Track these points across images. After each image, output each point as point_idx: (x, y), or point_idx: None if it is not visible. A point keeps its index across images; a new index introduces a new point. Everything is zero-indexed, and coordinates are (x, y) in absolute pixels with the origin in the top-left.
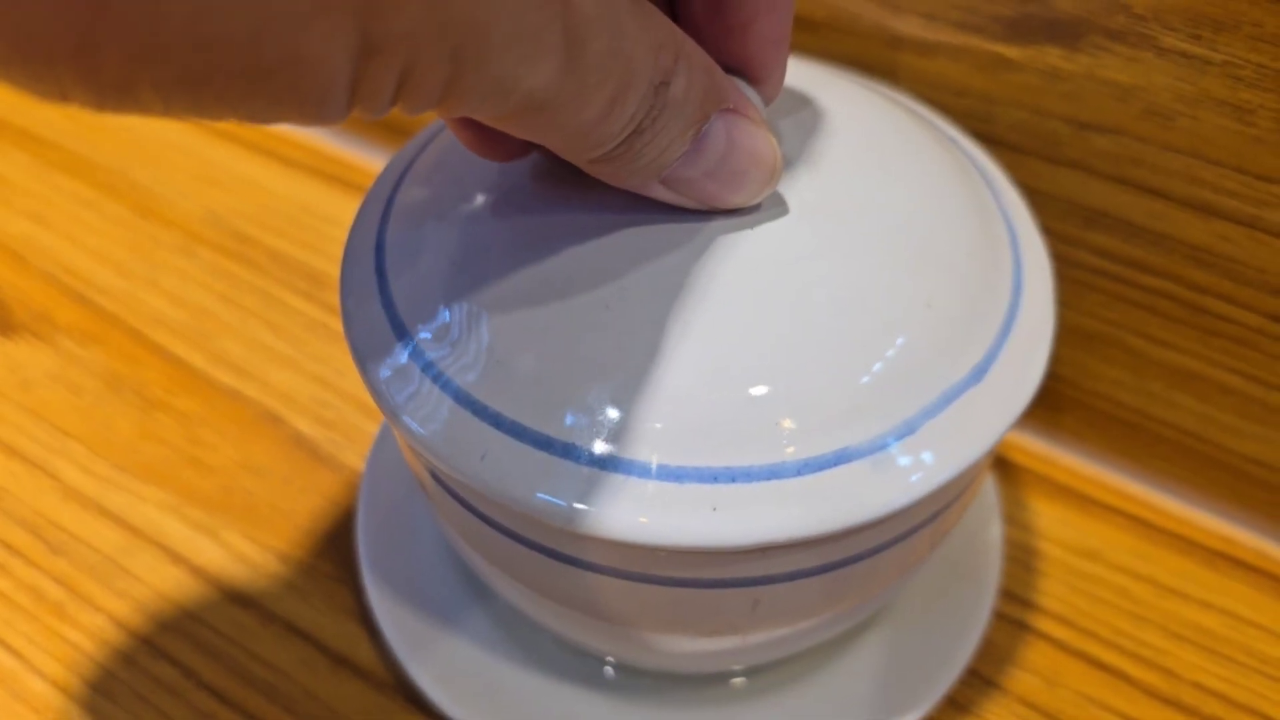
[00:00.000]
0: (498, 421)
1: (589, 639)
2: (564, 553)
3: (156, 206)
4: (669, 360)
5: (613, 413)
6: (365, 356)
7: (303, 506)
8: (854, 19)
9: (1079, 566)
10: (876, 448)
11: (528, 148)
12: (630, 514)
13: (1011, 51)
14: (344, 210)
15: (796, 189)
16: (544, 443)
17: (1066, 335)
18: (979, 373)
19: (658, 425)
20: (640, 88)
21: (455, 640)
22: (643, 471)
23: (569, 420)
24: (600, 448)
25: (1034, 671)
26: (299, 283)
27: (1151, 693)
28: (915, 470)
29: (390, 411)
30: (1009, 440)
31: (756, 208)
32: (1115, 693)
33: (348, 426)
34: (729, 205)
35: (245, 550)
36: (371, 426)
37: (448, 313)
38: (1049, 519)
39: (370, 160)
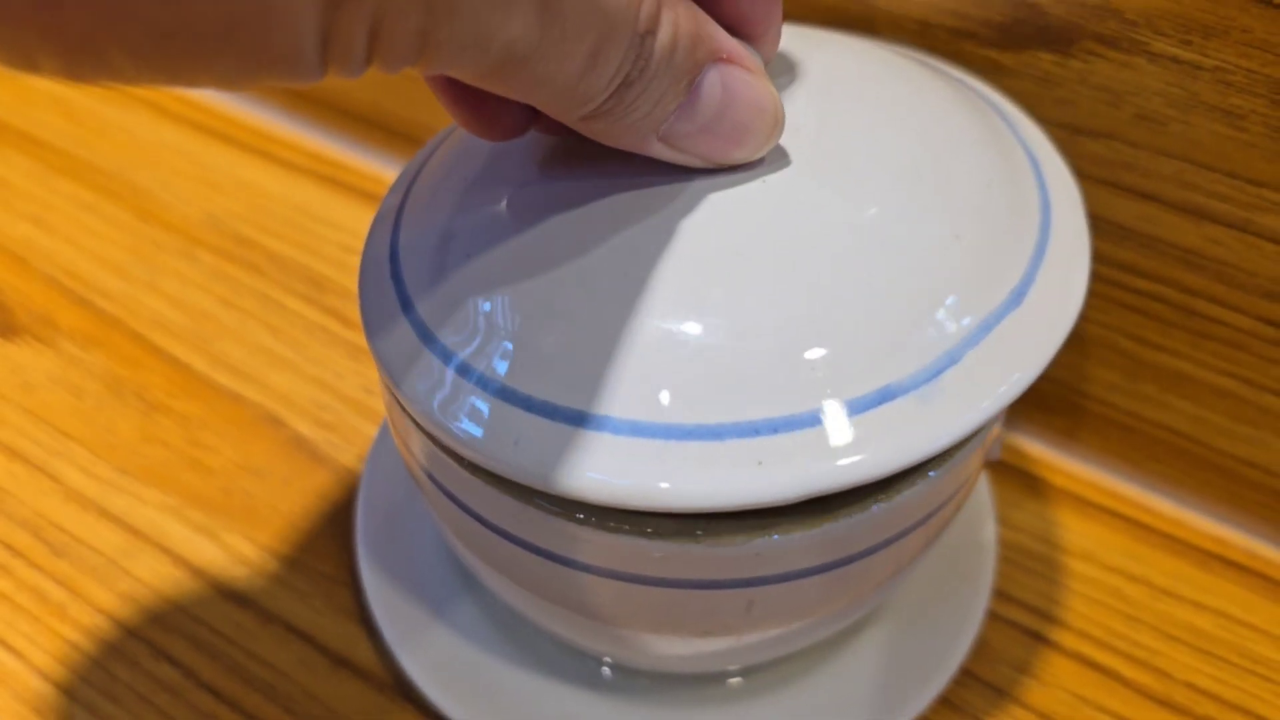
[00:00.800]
0: (528, 404)
1: (585, 639)
2: (559, 554)
3: (156, 210)
4: (697, 321)
5: (644, 381)
6: (392, 363)
7: (302, 508)
8: (847, 24)
9: (1072, 567)
10: (921, 381)
11: (524, 124)
12: (668, 479)
13: (1004, 57)
14: (343, 213)
15: (803, 140)
16: (576, 418)
17: None
18: (1017, 297)
19: (691, 385)
20: (623, 37)
21: (454, 640)
22: (681, 434)
23: (601, 393)
24: (634, 415)
25: (1028, 672)
26: (298, 286)
27: (1145, 693)
28: (964, 400)
29: (423, 413)
30: (1004, 442)
31: (764, 162)
32: (1108, 693)
33: (347, 428)
34: (732, 160)
35: (245, 551)
36: (370, 428)
37: (470, 308)
38: (1043, 520)
39: (370, 163)
